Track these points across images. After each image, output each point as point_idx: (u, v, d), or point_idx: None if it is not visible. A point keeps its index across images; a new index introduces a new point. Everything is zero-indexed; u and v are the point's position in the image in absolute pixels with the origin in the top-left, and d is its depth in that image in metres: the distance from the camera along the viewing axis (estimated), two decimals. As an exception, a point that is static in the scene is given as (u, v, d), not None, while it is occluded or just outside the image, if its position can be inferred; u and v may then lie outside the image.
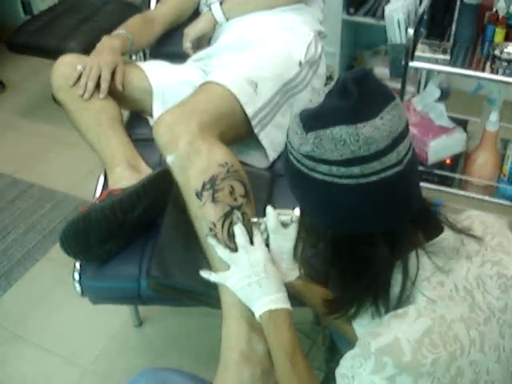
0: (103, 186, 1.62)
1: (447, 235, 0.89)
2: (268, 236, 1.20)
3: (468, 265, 0.89)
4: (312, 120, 0.82)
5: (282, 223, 1.17)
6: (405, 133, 0.83)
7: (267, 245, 1.20)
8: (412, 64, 1.72)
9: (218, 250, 1.19)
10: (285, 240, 1.18)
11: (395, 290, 0.87)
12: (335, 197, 0.83)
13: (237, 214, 1.22)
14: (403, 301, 0.86)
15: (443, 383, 0.80)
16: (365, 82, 0.82)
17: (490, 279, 0.89)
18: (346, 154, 0.79)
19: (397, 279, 0.87)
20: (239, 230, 1.19)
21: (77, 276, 1.46)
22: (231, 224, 1.22)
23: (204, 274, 1.20)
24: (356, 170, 0.79)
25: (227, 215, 1.22)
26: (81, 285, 1.46)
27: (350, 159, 0.79)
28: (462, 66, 1.71)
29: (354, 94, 0.80)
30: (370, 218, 0.84)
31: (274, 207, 1.19)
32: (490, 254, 0.92)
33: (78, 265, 1.47)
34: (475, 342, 0.83)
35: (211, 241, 1.21)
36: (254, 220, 1.22)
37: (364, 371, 0.81)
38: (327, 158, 0.80)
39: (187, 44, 1.82)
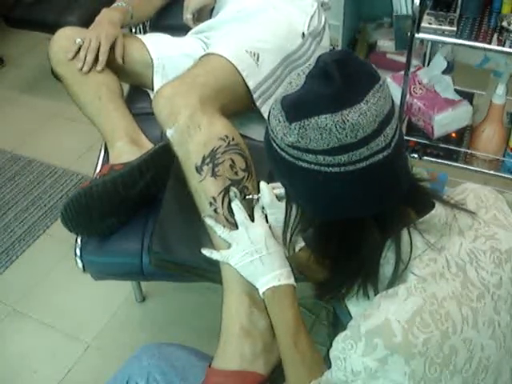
0: (104, 161, 1.61)
1: (439, 211, 0.87)
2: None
3: (460, 240, 0.87)
4: (295, 109, 0.79)
5: (277, 197, 1.14)
6: (391, 114, 0.80)
7: (267, 220, 1.18)
8: (418, 36, 1.68)
9: (217, 229, 1.18)
10: (282, 213, 1.16)
11: (386, 269, 0.86)
12: (323, 185, 0.81)
13: (233, 190, 1.20)
14: (395, 280, 0.84)
15: (436, 363, 0.79)
16: (347, 64, 0.79)
17: (483, 254, 0.87)
18: (333, 143, 0.76)
19: (388, 258, 0.85)
20: (237, 207, 1.18)
21: (78, 251, 1.46)
22: (232, 199, 1.20)
23: (205, 252, 1.19)
24: (343, 157, 0.77)
25: (228, 189, 1.20)
26: (82, 260, 1.46)
27: (336, 148, 0.77)
28: (469, 38, 1.67)
29: (336, 78, 0.77)
30: (360, 204, 0.82)
31: (270, 181, 1.16)
32: (484, 228, 0.90)
33: (79, 240, 1.47)
34: (468, 318, 0.82)
35: (209, 221, 1.19)
36: (249, 197, 1.20)
37: (355, 353, 0.80)
38: (313, 147, 0.77)
39: (188, 15, 1.78)
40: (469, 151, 1.90)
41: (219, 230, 1.18)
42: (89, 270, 1.49)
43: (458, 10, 1.72)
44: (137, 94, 1.77)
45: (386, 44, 2.79)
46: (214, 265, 1.21)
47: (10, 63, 3.35)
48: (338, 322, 1.49)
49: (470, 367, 0.82)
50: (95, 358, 1.89)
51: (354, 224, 0.84)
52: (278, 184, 1.14)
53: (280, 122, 0.80)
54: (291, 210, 0.93)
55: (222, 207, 1.20)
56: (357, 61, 0.81)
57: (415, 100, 1.91)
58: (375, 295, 0.86)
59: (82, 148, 2.64)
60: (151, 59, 1.65)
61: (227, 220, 1.19)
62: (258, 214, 1.18)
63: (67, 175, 2.54)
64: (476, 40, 1.67)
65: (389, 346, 0.78)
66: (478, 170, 1.89)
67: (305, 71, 0.82)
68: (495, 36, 1.66)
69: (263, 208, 1.17)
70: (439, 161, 1.91)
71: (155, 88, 1.64)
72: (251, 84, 1.43)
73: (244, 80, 1.42)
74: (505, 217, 0.93)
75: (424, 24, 1.68)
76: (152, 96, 1.66)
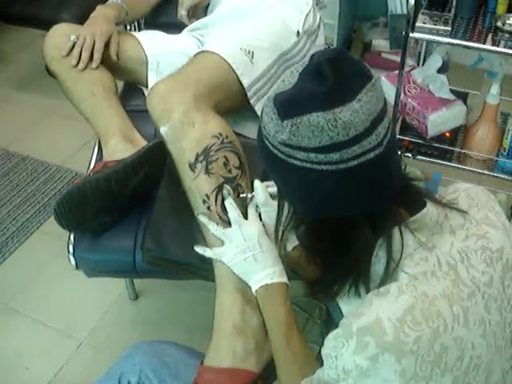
0: (97, 158, 1.61)
1: (430, 210, 0.88)
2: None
3: (451, 239, 0.88)
4: (287, 107, 0.79)
5: (271, 195, 1.14)
6: (383, 113, 0.80)
7: (261, 218, 1.17)
8: (413, 35, 1.68)
9: (210, 227, 1.18)
10: (275, 211, 1.15)
11: (377, 267, 0.86)
12: (315, 183, 0.81)
13: (226, 188, 1.20)
14: (386, 279, 0.85)
15: (427, 361, 0.79)
16: (340, 62, 0.79)
17: (474, 253, 0.87)
18: (325, 141, 0.76)
19: (379, 257, 0.86)
20: (230, 205, 1.18)
21: (71, 248, 1.46)
22: (225, 197, 1.20)
23: (198, 249, 1.19)
24: (335, 156, 0.77)
25: (221, 187, 1.20)
26: (75, 257, 1.46)
27: (328, 146, 0.77)
28: (463, 38, 1.67)
29: (329, 76, 0.77)
30: (352, 203, 0.82)
31: (265, 179, 1.16)
32: (475, 227, 0.90)
33: (72, 237, 1.46)
34: (459, 317, 0.82)
35: (203, 219, 1.19)
36: (243, 195, 1.20)
37: (346, 351, 0.80)
38: (305, 145, 0.78)
39: (183, 12, 1.77)
40: (462, 151, 1.90)
41: (212, 228, 1.17)
42: (82, 267, 1.49)
43: (453, 10, 1.73)
44: (131, 91, 1.76)
45: (381, 43, 2.79)
46: (207, 262, 1.21)
47: (4, 60, 3.34)
48: (331, 321, 1.49)
49: (460, 365, 0.82)
50: (88, 355, 1.89)
51: (346, 222, 0.84)
52: (272, 182, 1.14)
53: (272, 119, 0.80)
54: (283, 208, 0.93)
55: (216, 205, 1.20)
56: (350, 59, 0.81)
57: (409, 99, 1.91)
58: (367, 293, 0.86)
59: (76, 145, 2.64)
60: (146, 56, 1.65)
61: (220, 218, 1.19)
62: (251, 211, 1.18)
63: (61, 172, 2.54)
64: (470, 40, 1.67)
65: (380, 344, 0.78)
66: (472, 169, 1.89)
67: (298, 70, 0.82)
68: (490, 36, 1.66)
69: (257, 206, 1.17)
70: (433, 160, 1.91)
71: (149, 85, 1.64)
72: (245, 82, 1.43)
73: (238, 78, 1.42)
74: (496, 216, 0.93)
75: (419, 23, 1.68)
76: (146, 93, 1.66)
